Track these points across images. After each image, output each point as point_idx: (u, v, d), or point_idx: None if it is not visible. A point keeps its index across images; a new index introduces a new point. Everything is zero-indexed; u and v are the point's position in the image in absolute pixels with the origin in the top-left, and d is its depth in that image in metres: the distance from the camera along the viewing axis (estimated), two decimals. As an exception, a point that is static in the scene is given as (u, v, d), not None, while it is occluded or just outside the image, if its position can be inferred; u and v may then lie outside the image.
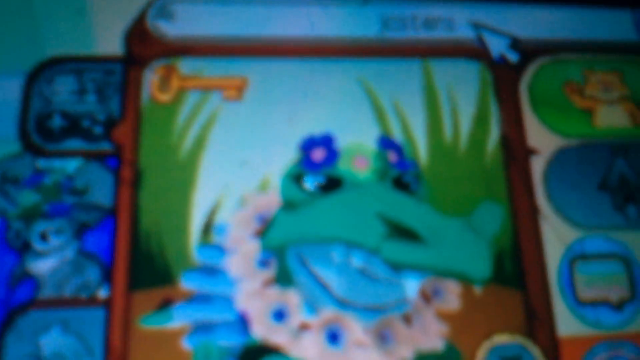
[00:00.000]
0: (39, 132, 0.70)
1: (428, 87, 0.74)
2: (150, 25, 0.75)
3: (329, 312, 0.65)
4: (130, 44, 0.74)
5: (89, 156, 0.69)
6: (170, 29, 0.75)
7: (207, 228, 0.67)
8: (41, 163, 0.69)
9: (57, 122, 0.70)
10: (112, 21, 0.74)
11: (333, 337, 0.64)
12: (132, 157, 0.69)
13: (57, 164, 0.69)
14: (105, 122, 0.71)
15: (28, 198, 0.68)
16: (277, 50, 0.74)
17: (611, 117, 0.75)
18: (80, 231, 0.67)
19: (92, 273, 0.65)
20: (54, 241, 0.66)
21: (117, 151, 0.69)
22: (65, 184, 0.68)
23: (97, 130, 0.70)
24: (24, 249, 0.66)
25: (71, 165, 0.69)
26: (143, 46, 0.73)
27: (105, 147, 0.70)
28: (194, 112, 0.71)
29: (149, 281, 0.65)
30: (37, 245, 0.66)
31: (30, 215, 0.67)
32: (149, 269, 0.65)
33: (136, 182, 0.68)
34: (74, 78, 0.72)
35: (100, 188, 0.68)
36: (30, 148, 0.70)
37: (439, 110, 0.74)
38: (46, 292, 0.65)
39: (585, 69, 0.77)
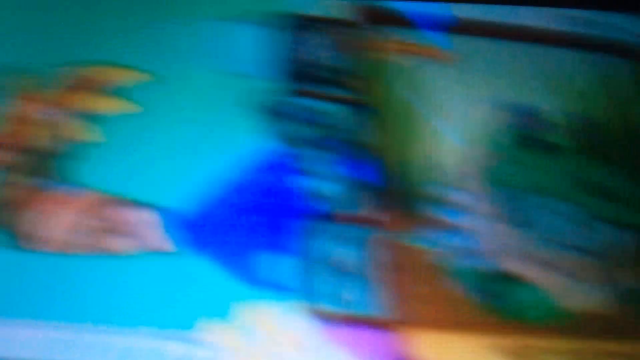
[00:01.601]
0: (302, 77, 0.82)
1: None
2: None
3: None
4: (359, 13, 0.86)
5: (343, 101, 0.82)
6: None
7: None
8: (308, 103, 0.82)
9: (314, 70, 0.83)
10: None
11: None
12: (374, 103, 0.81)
13: (321, 105, 0.82)
14: (354, 73, 0.83)
15: (306, 131, 0.81)
16: None
17: None
18: (352, 162, 0.79)
19: (368, 196, 0.77)
20: (333, 169, 0.79)
21: (362, 99, 0.82)
22: (332, 122, 0.81)
23: (349, 80, 0.83)
24: (313, 174, 0.78)
25: (332, 107, 0.82)
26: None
27: (355, 95, 0.82)
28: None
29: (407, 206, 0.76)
30: (323, 171, 0.79)
31: (310, 146, 0.80)
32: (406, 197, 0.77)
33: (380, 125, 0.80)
34: (322, 35, 0.85)
35: (358, 129, 0.81)
36: (298, 91, 0.82)
37: None
38: (334, 209, 0.77)
39: None
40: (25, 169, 0.75)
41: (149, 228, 0.74)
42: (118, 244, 0.73)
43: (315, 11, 0.86)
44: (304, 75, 0.83)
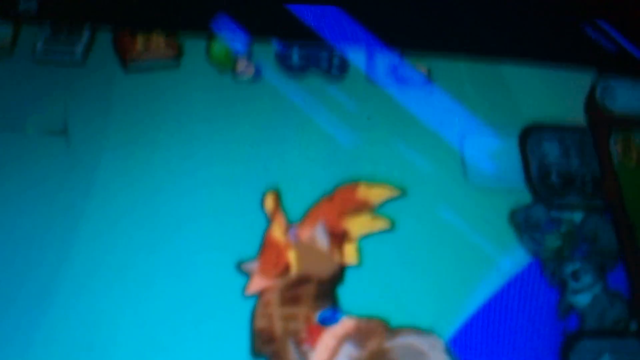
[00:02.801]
0: (543, 186, 0.83)
1: None
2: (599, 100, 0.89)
3: None
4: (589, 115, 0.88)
5: (587, 209, 0.83)
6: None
7: None
8: (553, 213, 0.83)
9: (554, 179, 0.84)
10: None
11: None
12: (623, 211, 0.83)
13: (565, 214, 0.83)
14: (592, 180, 0.85)
15: (552, 242, 0.81)
16: None
17: None
18: (601, 272, 0.80)
19: (621, 308, 0.78)
20: (584, 280, 0.79)
21: (608, 206, 0.83)
22: (577, 232, 0.81)
23: (588, 187, 0.84)
24: (562, 286, 0.79)
25: (577, 216, 0.83)
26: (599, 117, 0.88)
27: (597, 202, 0.83)
28: None
29: None
30: (572, 284, 0.79)
31: (557, 258, 0.81)
32: None
33: (631, 232, 0.82)
34: (557, 142, 0.86)
35: (605, 237, 0.82)
36: (540, 200, 0.83)
37: None
38: (589, 324, 0.78)
39: None
40: (288, 296, 0.75)
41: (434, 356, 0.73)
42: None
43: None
44: (548, 184, 0.84)
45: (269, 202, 0.81)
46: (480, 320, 0.77)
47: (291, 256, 0.79)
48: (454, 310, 0.77)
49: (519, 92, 0.89)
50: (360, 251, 0.80)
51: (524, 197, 0.84)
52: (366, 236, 0.80)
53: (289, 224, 0.79)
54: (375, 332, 0.75)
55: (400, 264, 0.79)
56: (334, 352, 0.73)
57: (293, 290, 0.76)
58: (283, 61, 0.89)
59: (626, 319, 0.78)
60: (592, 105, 0.90)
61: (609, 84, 0.91)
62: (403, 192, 0.82)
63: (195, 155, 0.84)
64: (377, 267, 0.79)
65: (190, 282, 0.77)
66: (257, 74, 0.88)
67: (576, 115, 0.89)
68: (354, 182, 0.83)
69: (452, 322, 0.77)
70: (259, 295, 0.77)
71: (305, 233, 0.78)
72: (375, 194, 0.81)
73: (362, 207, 0.81)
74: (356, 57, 0.90)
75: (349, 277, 0.78)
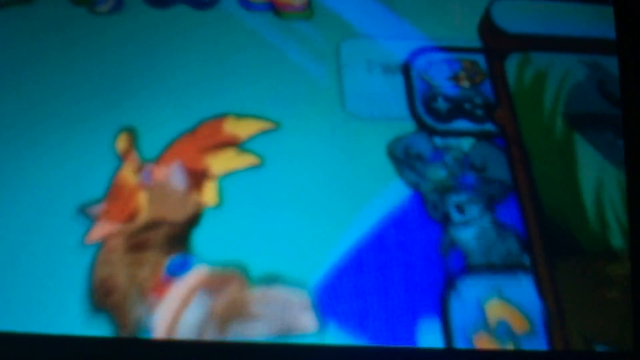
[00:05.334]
0: (428, 113, 0.74)
1: None
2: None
3: None
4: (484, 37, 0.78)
5: (477, 136, 0.74)
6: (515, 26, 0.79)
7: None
8: (437, 141, 0.73)
9: (441, 104, 0.75)
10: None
11: None
12: (516, 137, 0.73)
13: (452, 142, 0.73)
14: (483, 105, 0.75)
15: (435, 173, 0.72)
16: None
17: None
18: (490, 204, 0.71)
19: (512, 242, 0.69)
20: (470, 212, 0.70)
21: (501, 132, 0.74)
22: (464, 160, 0.72)
23: (479, 112, 0.74)
24: (445, 220, 0.70)
25: (466, 143, 0.73)
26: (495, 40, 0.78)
27: (488, 128, 0.74)
28: (556, 97, 0.76)
29: (563, 253, 0.69)
30: (456, 216, 0.70)
31: (441, 189, 0.71)
32: (561, 242, 0.70)
33: (525, 161, 0.72)
34: (445, 65, 0.77)
35: (496, 165, 0.72)
36: (424, 127, 0.73)
37: None
38: (475, 260, 0.69)
39: None
40: (135, 242, 0.66)
41: (290, 308, 0.64)
42: (248, 328, 0.63)
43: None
44: (436, 112, 0.74)
45: (122, 142, 0.72)
46: (352, 263, 0.68)
47: (142, 198, 0.68)
48: (323, 254, 0.68)
49: (408, 15, 0.79)
50: (221, 191, 0.70)
51: (407, 125, 0.74)
52: (230, 174, 0.70)
53: (143, 164, 0.68)
54: (232, 281, 0.66)
55: (266, 205, 0.70)
56: (185, 303, 0.62)
57: (141, 236, 0.66)
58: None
59: (517, 254, 0.69)
60: (487, 26, 0.80)
61: (505, 4, 0.81)
62: (276, 125, 0.71)
63: (42, 91, 0.75)
64: (240, 208, 0.70)
65: (25, 228, 0.68)
66: (118, 4, 0.76)
67: (469, 37, 0.79)
68: (220, 116, 0.71)
69: (321, 267, 0.68)
70: (103, 242, 0.65)
71: (160, 173, 0.68)
72: (244, 128, 0.72)
73: (228, 143, 0.71)
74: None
75: (206, 220, 0.69)
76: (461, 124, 0.75)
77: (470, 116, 0.75)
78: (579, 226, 0.71)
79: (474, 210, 0.70)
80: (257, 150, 0.72)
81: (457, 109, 0.75)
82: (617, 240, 0.70)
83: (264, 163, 0.71)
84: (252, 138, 0.71)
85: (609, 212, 0.72)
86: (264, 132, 0.72)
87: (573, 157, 0.74)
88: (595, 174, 0.74)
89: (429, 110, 0.74)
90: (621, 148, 0.74)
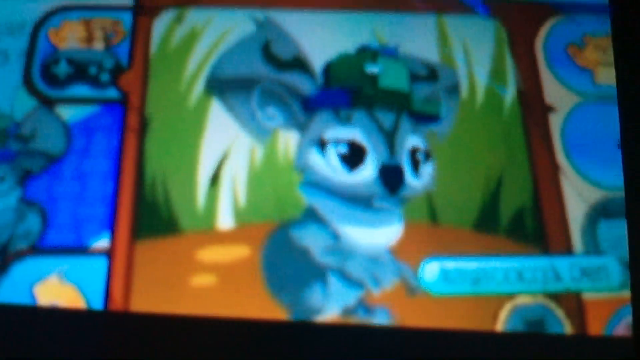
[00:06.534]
0: (44, 78, 0.66)
1: (442, 41, 0.70)
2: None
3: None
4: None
5: (93, 103, 0.65)
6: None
7: (215, 178, 0.63)
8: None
9: (62, 68, 0.66)
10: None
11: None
12: (140, 104, 0.65)
13: (5, 109, 0.65)
14: (113, 69, 0.66)
15: None
16: (285, 2, 0.70)
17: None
18: (23, 178, 0.62)
19: (33, 222, 0.60)
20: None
21: (124, 99, 0.65)
22: (12, 130, 0.64)
23: (104, 77, 0.66)
24: None
25: (20, 111, 0.64)
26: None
27: (112, 94, 0.65)
28: (204, 60, 0.67)
29: (152, 231, 0.61)
30: None
31: None
32: (154, 218, 0.61)
33: (143, 129, 0.64)
34: (82, 26, 0.68)
35: (48, 135, 0.63)
36: (36, 94, 0.65)
37: (455, 64, 0.69)
38: None
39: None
40: None
41: None
42: None
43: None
44: (53, 78, 0.67)
45: None
46: None
47: None
48: None
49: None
50: None
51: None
52: None
53: None
54: None
55: None
56: None
57: None
58: None
59: (36, 234, 0.60)
60: None
61: None
62: None
63: None
64: None
65: None
66: None
67: None
68: None
69: None
70: None
71: None
72: None
73: None
74: None
75: None
76: (79, 90, 0.66)
77: (92, 81, 0.66)
78: (183, 203, 0.62)
79: (2, 186, 0.62)
80: None
81: (79, 74, 0.66)
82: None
83: None
84: None
85: (226, 190, 0.63)
86: None
87: (201, 125, 0.65)
88: (226, 146, 0.65)
89: (45, 76, 0.66)
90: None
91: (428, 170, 0.65)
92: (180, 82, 0.66)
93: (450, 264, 0.62)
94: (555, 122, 0.68)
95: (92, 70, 0.66)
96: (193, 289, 0.58)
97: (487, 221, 0.64)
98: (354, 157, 0.64)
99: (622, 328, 0.60)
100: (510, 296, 0.61)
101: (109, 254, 0.60)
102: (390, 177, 0.63)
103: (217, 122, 0.65)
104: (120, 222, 0.61)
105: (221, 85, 0.66)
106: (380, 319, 0.59)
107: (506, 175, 0.66)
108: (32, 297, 0.58)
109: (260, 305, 0.58)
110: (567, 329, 0.60)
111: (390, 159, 0.64)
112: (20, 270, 0.59)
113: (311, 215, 0.62)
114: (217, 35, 0.68)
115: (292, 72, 0.66)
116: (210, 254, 0.60)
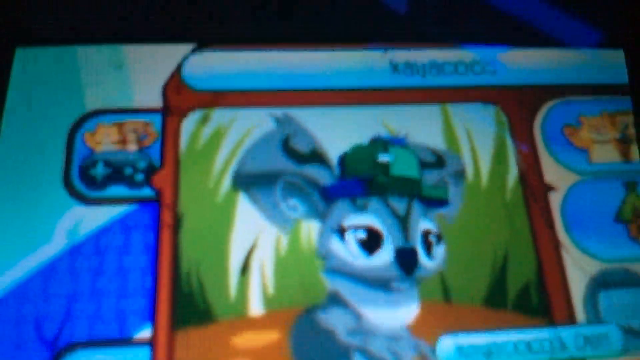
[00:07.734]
0: (82, 180, 0.71)
1: (447, 129, 0.76)
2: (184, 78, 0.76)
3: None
4: (167, 96, 0.75)
5: (131, 202, 0.70)
6: (204, 83, 0.76)
7: (245, 267, 0.68)
8: None
9: (100, 170, 0.72)
10: (150, 75, 0.76)
11: None
12: (172, 201, 0.70)
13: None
14: (146, 169, 0.72)
15: None
16: (301, 100, 0.77)
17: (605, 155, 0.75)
18: None
19: None
20: None
21: (157, 196, 0.71)
22: None
23: (139, 177, 0.71)
24: None
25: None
26: (179, 98, 0.75)
27: (147, 193, 0.70)
28: (230, 157, 0.73)
29: (190, 320, 0.66)
30: None
31: None
32: (190, 308, 0.66)
33: (176, 225, 0.69)
34: (115, 129, 0.73)
35: None
36: (76, 195, 0.71)
37: (460, 150, 0.75)
38: None
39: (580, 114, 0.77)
40: None
41: None
42: None
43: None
44: (90, 180, 0.73)
45: None
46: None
47: None
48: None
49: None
50: None
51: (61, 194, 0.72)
52: None
53: None
54: None
55: None
56: None
57: None
58: None
59: None
60: (173, 84, 0.78)
61: (198, 59, 0.79)
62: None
63: None
64: None
65: None
66: None
67: (151, 98, 0.76)
68: None
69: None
70: None
71: None
72: None
73: None
74: None
75: None
76: (117, 190, 0.72)
77: (128, 182, 0.72)
78: (216, 292, 0.67)
79: None
80: None
81: (115, 175, 0.72)
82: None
83: None
84: None
85: (255, 278, 0.68)
86: None
87: (230, 218, 0.71)
88: (253, 237, 0.70)
89: (83, 178, 0.72)
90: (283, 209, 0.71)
91: (440, 251, 0.70)
92: (209, 178, 0.72)
93: (464, 339, 0.66)
94: (555, 200, 0.74)
95: (128, 170, 0.72)
96: (230, 374, 0.60)
97: (496, 297, 0.69)
98: (371, 242, 0.69)
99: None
100: (520, 366, 0.61)
101: (152, 343, 0.64)
102: (406, 260, 0.68)
103: (245, 215, 0.70)
104: (160, 313, 0.66)
105: (246, 180, 0.71)
106: (402, 394, 0.60)
107: (511, 252, 0.71)
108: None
109: (292, 386, 0.59)
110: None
111: (405, 242, 0.69)
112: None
113: (334, 299, 0.67)
114: (241, 133, 0.74)
115: (311, 165, 0.72)
116: (244, 340, 0.65)
